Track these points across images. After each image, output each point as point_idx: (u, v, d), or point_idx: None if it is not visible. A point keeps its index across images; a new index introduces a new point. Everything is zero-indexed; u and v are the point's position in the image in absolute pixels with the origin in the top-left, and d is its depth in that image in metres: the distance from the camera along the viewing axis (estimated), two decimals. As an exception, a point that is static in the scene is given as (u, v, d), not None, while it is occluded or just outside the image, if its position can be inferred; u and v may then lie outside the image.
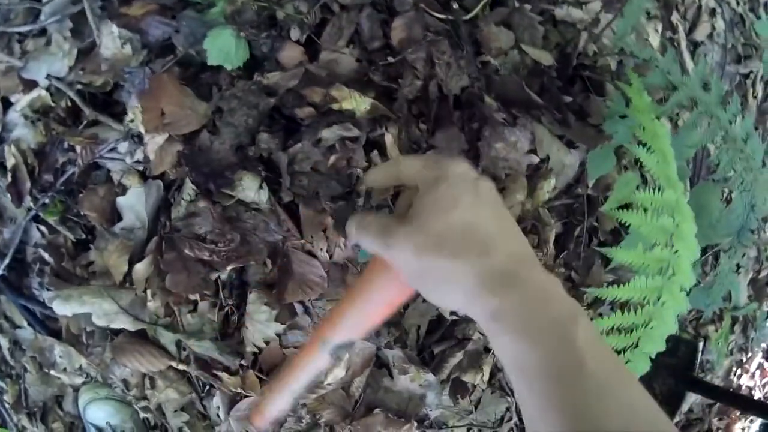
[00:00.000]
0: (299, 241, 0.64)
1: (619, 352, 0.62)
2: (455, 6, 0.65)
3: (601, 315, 0.84)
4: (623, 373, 0.32)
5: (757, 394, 1.19)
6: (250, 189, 0.61)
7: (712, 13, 0.89)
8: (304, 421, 0.74)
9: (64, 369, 0.78)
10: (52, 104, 0.71)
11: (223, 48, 0.60)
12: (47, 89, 0.71)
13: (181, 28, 0.62)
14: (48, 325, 0.78)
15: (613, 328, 0.61)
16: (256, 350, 0.70)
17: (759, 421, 1.09)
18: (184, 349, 0.71)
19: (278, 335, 0.70)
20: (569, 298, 0.32)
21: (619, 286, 0.60)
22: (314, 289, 0.64)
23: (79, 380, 0.80)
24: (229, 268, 0.64)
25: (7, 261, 0.73)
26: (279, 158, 0.61)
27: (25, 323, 0.78)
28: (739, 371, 1.12)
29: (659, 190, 0.62)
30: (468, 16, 0.67)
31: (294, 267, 0.63)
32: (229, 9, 0.59)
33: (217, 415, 0.74)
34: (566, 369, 0.30)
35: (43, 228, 0.73)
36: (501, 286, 0.31)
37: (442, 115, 0.68)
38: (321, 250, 0.67)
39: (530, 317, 0.30)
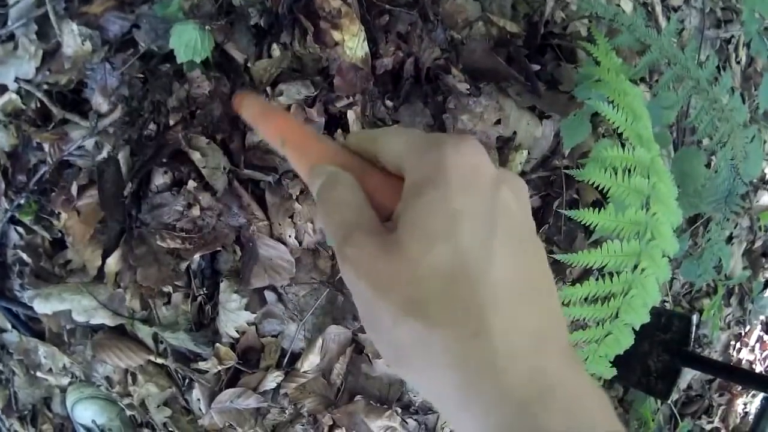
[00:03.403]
0: (265, 224, 0.63)
1: (598, 324, 0.60)
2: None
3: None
4: None
5: (758, 368, 1.14)
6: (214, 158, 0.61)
7: (689, -24, 0.86)
8: (287, 411, 0.73)
9: (50, 369, 0.79)
10: (23, 106, 0.72)
11: (189, 43, 0.60)
12: (17, 92, 0.72)
13: (141, 25, 0.63)
14: (31, 326, 0.78)
15: (588, 297, 0.59)
16: (231, 340, 0.69)
17: (761, 395, 1.04)
18: (161, 342, 0.71)
19: (254, 324, 0.69)
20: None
21: (587, 251, 0.58)
22: (281, 273, 0.63)
23: (65, 381, 0.80)
24: (196, 256, 0.64)
25: (-14, 264, 0.74)
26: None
27: (9, 326, 0.79)
28: (738, 345, 1.07)
29: (629, 148, 0.60)
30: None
31: (260, 251, 0.62)
32: (186, 4, 0.59)
33: (199, 408, 0.73)
34: None
35: (20, 229, 0.74)
36: (497, 401, 0.19)
37: (410, 90, 0.67)
38: (289, 236, 0.66)
39: None
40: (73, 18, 0.68)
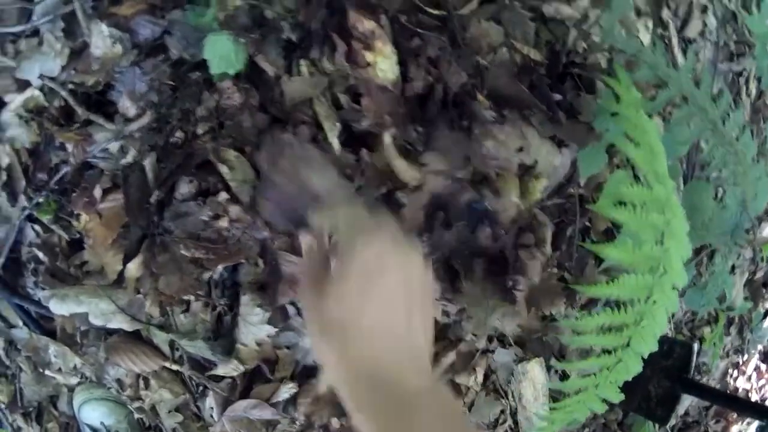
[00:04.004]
0: (287, 239, 0.64)
1: (610, 352, 0.62)
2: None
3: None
4: None
5: (754, 396, 1.18)
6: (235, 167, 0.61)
7: (704, 9, 0.89)
8: (297, 422, 0.74)
9: (59, 369, 0.79)
10: (46, 104, 0.72)
11: (224, 55, 0.60)
12: (40, 89, 0.71)
13: (173, 33, 0.62)
14: (43, 324, 0.78)
15: (603, 326, 0.61)
16: (248, 350, 0.70)
17: (756, 423, 1.08)
18: (177, 350, 0.72)
19: (270, 336, 0.70)
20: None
21: (606, 284, 0.60)
22: (304, 288, 0.64)
23: (74, 380, 0.80)
24: (220, 267, 0.65)
25: (1, 260, 0.73)
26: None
27: (20, 323, 0.79)
28: (735, 373, 1.11)
29: (648, 185, 0.62)
30: (463, 11, 0.67)
31: (283, 268, 0.63)
32: (222, 15, 0.59)
33: (211, 416, 0.74)
34: None
35: (37, 227, 0.74)
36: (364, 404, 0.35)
37: (438, 115, 0.68)
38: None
39: None
40: (102, 18, 0.67)
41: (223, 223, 0.60)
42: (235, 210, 0.60)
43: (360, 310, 0.36)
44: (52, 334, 0.78)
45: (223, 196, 0.60)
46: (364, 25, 0.63)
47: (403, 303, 0.38)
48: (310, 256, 0.43)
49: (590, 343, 0.62)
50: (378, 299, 0.37)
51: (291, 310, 0.67)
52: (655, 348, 0.64)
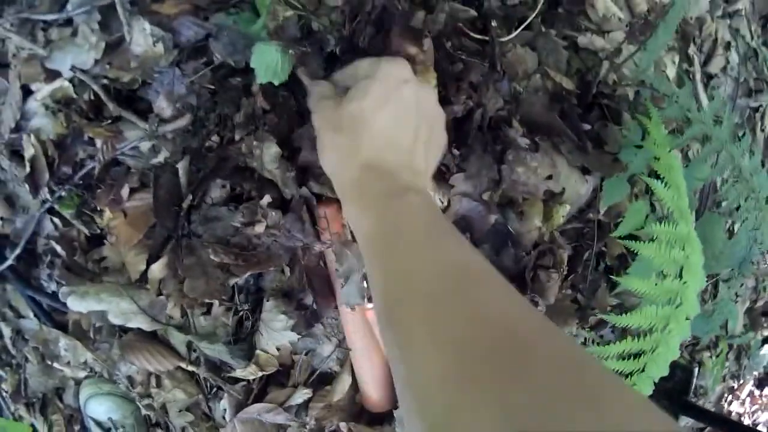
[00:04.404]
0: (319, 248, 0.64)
1: (626, 376, 0.64)
2: (494, 24, 0.66)
3: (602, 336, 0.86)
4: (440, 240, 0.38)
5: (747, 421, 1.23)
6: (268, 155, 0.61)
7: (727, 46, 0.92)
8: (307, 426, 0.75)
9: (68, 362, 0.78)
10: (75, 96, 0.70)
11: (270, 65, 0.60)
12: (70, 80, 0.70)
13: (220, 38, 0.62)
14: (54, 317, 0.77)
15: (623, 353, 0.64)
16: (267, 355, 0.70)
17: None
18: (195, 351, 0.71)
19: (291, 343, 0.70)
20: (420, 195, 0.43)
21: (629, 314, 0.62)
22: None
23: (82, 374, 0.79)
24: (248, 273, 0.65)
25: (18, 251, 0.72)
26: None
27: (30, 314, 0.77)
28: (730, 397, 1.16)
29: (673, 223, 0.65)
30: (507, 38, 0.68)
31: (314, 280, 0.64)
32: (272, 24, 0.59)
33: (223, 417, 0.74)
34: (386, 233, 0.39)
35: (56, 220, 0.72)
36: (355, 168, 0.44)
37: (475, 138, 0.69)
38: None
39: (369, 192, 0.43)
40: (143, 15, 0.66)
41: (259, 228, 0.60)
42: (274, 216, 0.60)
43: (375, 114, 0.43)
44: (63, 327, 0.77)
45: (267, 199, 0.60)
46: (408, 50, 0.63)
47: (413, 121, 0.45)
48: (324, 93, 0.52)
49: (612, 368, 0.64)
50: (392, 111, 0.44)
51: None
52: (666, 373, 0.67)
